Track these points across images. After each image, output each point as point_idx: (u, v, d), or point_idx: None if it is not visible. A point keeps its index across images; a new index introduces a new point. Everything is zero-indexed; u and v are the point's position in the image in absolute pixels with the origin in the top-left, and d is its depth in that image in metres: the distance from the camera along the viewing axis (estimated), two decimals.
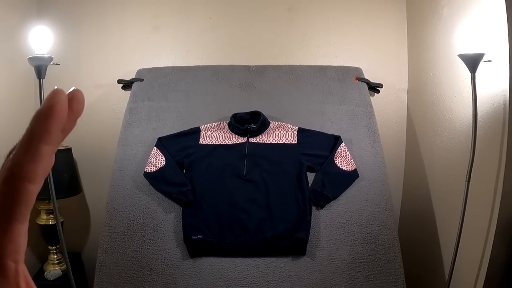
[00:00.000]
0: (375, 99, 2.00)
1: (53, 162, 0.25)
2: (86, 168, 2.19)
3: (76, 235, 2.28)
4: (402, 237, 2.21)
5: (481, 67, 1.49)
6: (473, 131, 1.51)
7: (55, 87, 0.25)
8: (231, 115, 1.75)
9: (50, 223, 1.99)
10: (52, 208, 1.97)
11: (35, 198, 0.24)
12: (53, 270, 2.00)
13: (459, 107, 1.73)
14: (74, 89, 0.26)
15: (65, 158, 2.00)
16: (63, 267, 2.05)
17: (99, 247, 1.61)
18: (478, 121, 1.52)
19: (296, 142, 1.69)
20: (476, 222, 1.61)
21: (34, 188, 0.24)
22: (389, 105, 2.16)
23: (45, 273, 1.97)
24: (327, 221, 1.62)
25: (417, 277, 2.07)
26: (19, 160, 0.24)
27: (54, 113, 0.24)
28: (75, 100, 0.26)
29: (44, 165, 0.24)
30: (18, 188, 0.23)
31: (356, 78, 1.92)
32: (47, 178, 1.66)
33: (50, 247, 2.05)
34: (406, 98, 2.15)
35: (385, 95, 2.07)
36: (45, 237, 2.02)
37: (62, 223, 1.86)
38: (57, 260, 2.06)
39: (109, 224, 1.64)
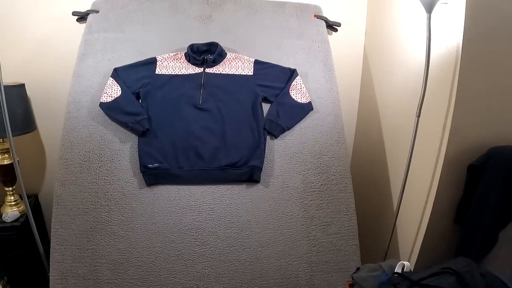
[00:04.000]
0: (334, 38, 2.02)
1: None
2: (41, 105, 2.11)
3: (32, 175, 2.23)
4: (354, 170, 2.27)
5: (438, 8, 1.52)
6: (426, 69, 1.55)
7: None
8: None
9: (6, 163, 1.94)
10: (7, 147, 1.92)
11: None
12: (11, 212, 1.97)
13: (413, 48, 1.77)
14: None
15: (18, 94, 1.93)
16: (20, 208, 2.02)
17: (55, 181, 1.58)
18: (431, 61, 1.56)
19: (252, 74, 1.70)
20: (425, 156, 1.68)
21: None
22: (346, 45, 2.18)
23: (3, 216, 1.94)
24: (281, 150, 1.66)
25: (367, 208, 2.17)
26: None
27: None
28: None
29: None
30: None
31: (315, 16, 1.93)
32: (1, 115, 1.61)
33: (6, 189, 2.00)
34: (363, 39, 2.17)
35: (343, 35, 2.09)
36: (1, 178, 1.97)
37: (17, 162, 1.82)
38: (14, 201, 2.02)
39: (64, 156, 1.62)
